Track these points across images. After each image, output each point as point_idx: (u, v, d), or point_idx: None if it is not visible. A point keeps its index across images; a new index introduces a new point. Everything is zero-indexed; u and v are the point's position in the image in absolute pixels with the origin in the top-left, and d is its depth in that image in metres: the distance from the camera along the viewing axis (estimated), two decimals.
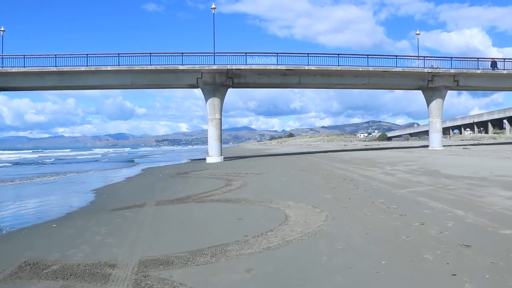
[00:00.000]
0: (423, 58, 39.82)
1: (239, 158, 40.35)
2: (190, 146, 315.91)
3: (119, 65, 36.17)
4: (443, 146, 42.57)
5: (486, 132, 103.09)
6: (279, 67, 36.80)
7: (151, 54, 36.52)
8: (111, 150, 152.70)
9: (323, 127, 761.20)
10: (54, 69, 35.90)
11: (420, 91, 43.03)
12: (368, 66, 38.23)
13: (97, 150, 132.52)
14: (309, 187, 13.07)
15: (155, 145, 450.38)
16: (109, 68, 36.06)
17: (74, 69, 36.01)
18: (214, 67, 35.93)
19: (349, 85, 40.34)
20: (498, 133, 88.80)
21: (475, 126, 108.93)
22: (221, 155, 36.97)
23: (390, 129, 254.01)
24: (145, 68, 36.08)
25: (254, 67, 36.61)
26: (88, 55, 36.38)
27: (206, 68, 35.87)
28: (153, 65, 36.15)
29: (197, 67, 35.95)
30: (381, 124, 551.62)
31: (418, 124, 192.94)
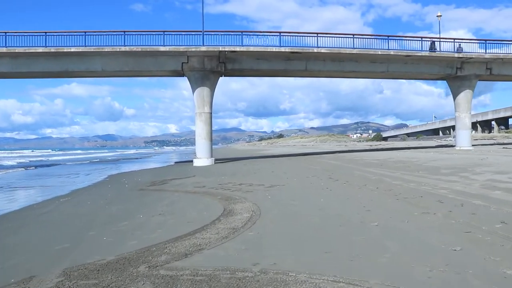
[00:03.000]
0: (452, 40, 33.38)
1: (233, 160, 33.59)
2: (179, 147, 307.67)
3: (85, 45, 29.22)
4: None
5: (489, 132, 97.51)
6: (282, 49, 30.09)
7: (125, 33, 29.56)
8: (144, 150, 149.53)
9: (312, 128, 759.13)
10: (4, 50, 28.79)
11: (445, 81, 36.78)
12: (388, 49, 31.76)
13: (132, 151, 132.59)
14: (409, 228, 6.35)
15: (144, 146, 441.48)
16: (72, 49, 29.04)
17: (30, 50, 28.87)
18: (203, 48, 29.13)
19: (364, 72, 33.73)
20: (507, 132, 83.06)
21: (478, 125, 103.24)
22: (212, 157, 30.21)
23: (379, 130, 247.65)
24: (118, 50, 29.10)
25: (251, 49, 29.84)
26: (47, 34, 29.30)
27: (193, 49, 29.05)
28: (127, 46, 29.23)
29: (181, 48, 29.10)
30: (369, 125, 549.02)
31: (407, 125, 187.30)
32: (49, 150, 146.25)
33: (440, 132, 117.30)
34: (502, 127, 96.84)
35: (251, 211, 8.35)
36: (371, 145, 64.37)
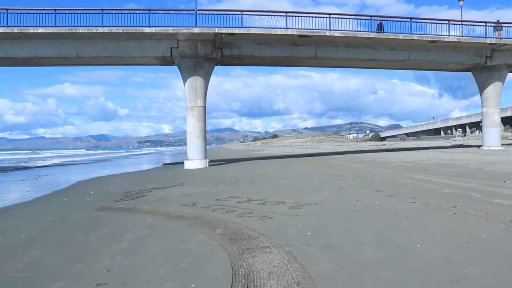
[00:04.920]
0: (484, 24, 28.94)
1: (230, 162, 29.01)
2: (173, 147, 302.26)
3: (56, 26, 24.54)
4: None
5: None
6: (289, 32, 25.56)
7: (104, 11, 24.92)
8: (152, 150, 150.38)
9: (306, 128, 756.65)
10: None
11: (470, 72, 32.46)
12: (411, 33, 27.36)
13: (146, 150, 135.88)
14: None
15: (137, 147, 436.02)
16: (40, 30, 24.31)
17: None
18: (196, 30, 24.55)
19: (382, 61, 29.23)
20: None
21: (482, 125, 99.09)
22: (206, 158, 25.65)
23: (373, 130, 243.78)
24: (95, 31, 24.44)
25: (253, 31, 25.29)
26: (9, 11, 24.59)
27: (184, 31, 24.44)
28: (105, 26, 24.60)
29: (170, 30, 24.48)
30: (363, 126, 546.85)
31: (401, 126, 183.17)
32: (84, 150, 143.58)
33: (442, 132, 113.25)
34: (508, 126, 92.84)
35: (294, 284, 3.79)
36: (377, 145, 60.05)
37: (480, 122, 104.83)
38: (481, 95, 32.04)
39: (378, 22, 26.96)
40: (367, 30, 26.98)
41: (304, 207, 8.22)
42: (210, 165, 25.51)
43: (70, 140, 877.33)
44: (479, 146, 33.65)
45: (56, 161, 48.98)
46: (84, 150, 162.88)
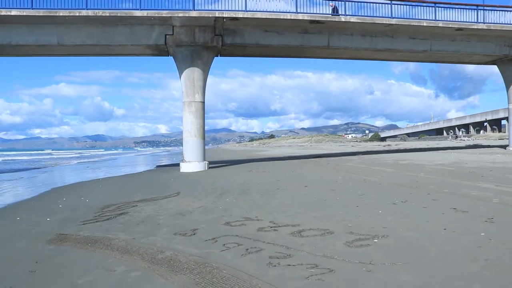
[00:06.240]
0: None
1: (231, 164, 25.87)
2: (169, 147, 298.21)
3: (32, 8, 21.40)
4: None
5: (499, 131, 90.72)
6: (299, 16, 22.52)
7: None
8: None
9: (302, 128, 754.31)
10: None
11: (495, 66, 29.54)
12: (436, 20, 24.40)
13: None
14: None
15: (133, 147, 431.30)
16: (14, 12, 21.16)
17: None
18: (194, 14, 21.44)
19: (402, 52, 26.19)
20: None
21: (487, 124, 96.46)
22: (204, 160, 22.56)
23: (370, 131, 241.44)
24: (78, 14, 21.31)
25: (258, 15, 22.19)
26: None
27: (180, 15, 21.32)
28: (90, 9, 21.45)
29: (164, 13, 21.36)
30: (360, 126, 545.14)
31: (397, 126, 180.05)
32: (102, 150, 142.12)
33: (444, 132, 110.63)
34: None
35: None
36: (383, 146, 57.11)
37: (485, 122, 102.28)
38: (507, 90, 29.12)
39: (332, 5, 23.45)
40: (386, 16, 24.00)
41: (369, 244, 5.14)
42: (209, 167, 22.43)
43: (66, 140, 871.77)
44: (504, 147, 30.68)
45: (72, 162, 45.39)
46: (103, 150, 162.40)
